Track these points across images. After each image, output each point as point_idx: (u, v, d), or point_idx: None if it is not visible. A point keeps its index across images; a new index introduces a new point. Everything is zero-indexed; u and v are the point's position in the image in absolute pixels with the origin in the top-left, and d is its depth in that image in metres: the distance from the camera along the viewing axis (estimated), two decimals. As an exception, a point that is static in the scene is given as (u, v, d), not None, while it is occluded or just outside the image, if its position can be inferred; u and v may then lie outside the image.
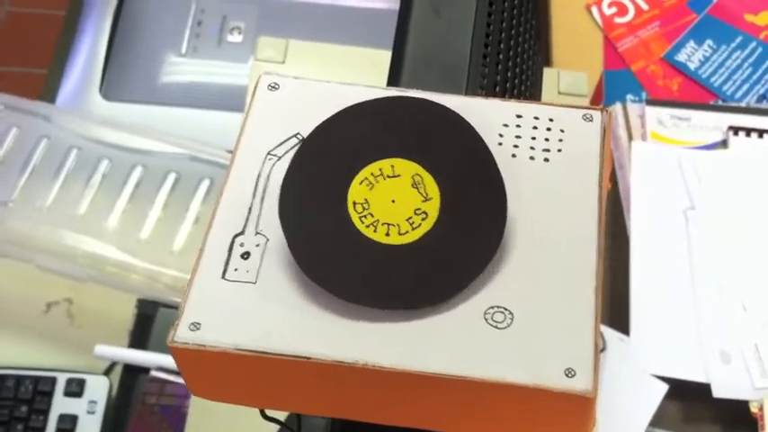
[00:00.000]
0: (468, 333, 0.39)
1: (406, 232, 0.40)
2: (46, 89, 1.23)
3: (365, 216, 0.41)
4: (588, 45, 1.22)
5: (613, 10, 1.24)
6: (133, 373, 1.01)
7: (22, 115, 1.13)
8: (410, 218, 0.41)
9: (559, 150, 0.45)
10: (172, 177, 1.09)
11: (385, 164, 0.42)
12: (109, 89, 1.22)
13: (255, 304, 0.40)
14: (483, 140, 0.43)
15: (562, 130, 0.45)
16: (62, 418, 0.97)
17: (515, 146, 0.45)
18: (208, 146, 1.10)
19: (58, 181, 1.09)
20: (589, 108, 0.46)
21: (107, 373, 1.01)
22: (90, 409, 0.97)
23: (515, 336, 0.38)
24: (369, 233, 0.40)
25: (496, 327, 0.39)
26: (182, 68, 1.24)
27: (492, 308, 0.39)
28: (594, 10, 1.24)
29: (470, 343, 0.38)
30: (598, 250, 0.41)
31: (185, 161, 1.10)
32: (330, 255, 0.40)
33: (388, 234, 0.40)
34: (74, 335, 1.04)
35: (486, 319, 0.39)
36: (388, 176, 0.42)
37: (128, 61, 1.24)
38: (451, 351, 0.38)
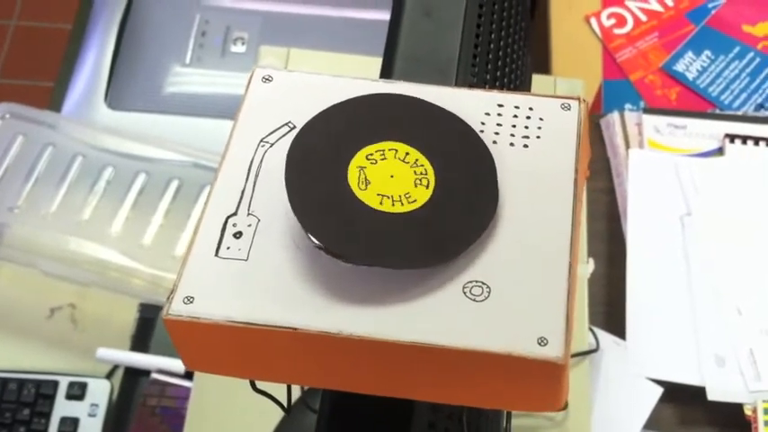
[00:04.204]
0: (446, 305, 0.40)
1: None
2: (52, 99, 1.25)
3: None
4: (587, 55, 1.23)
5: (612, 21, 1.26)
6: (134, 376, 1.02)
7: (27, 123, 1.15)
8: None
9: (538, 137, 0.46)
10: (174, 184, 1.11)
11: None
12: (114, 99, 1.24)
13: (246, 280, 0.42)
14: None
15: (541, 119, 0.47)
16: (63, 420, 0.98)
17: (496, 133, 0.47)
18: (210, 153, 1.12)
19: (62, 188, 1.11)
20: (567, 97, 0.48)
21: (109, 376, 1.02)
22: (91, 412, 0.99)
23: (491, 308, 0.40)
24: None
25: (474, 299, 0.40)
26: (186, 78, 1.26)
27: (470, 282, 0.41)
28: (593, 21, 1.26)
29: (448, 314, 0.40)
30: (572, 230, 0.42)
31: (188, 168, 1.12)
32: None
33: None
34: (77, 339, 1.05)
35: (464, 293, 0.40)
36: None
37: (133, 71, 1.26)
38: (430, 321, 0.40)
